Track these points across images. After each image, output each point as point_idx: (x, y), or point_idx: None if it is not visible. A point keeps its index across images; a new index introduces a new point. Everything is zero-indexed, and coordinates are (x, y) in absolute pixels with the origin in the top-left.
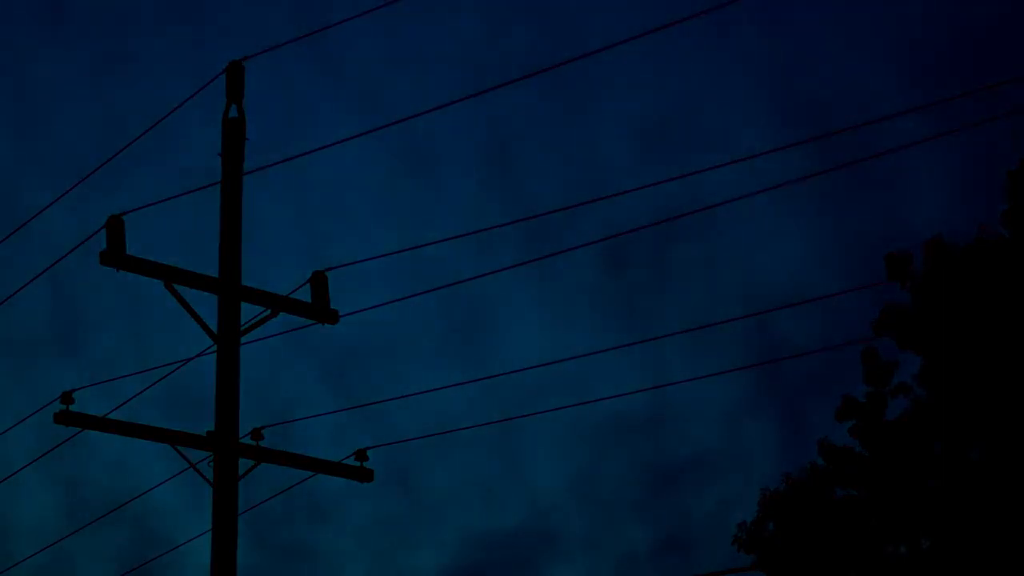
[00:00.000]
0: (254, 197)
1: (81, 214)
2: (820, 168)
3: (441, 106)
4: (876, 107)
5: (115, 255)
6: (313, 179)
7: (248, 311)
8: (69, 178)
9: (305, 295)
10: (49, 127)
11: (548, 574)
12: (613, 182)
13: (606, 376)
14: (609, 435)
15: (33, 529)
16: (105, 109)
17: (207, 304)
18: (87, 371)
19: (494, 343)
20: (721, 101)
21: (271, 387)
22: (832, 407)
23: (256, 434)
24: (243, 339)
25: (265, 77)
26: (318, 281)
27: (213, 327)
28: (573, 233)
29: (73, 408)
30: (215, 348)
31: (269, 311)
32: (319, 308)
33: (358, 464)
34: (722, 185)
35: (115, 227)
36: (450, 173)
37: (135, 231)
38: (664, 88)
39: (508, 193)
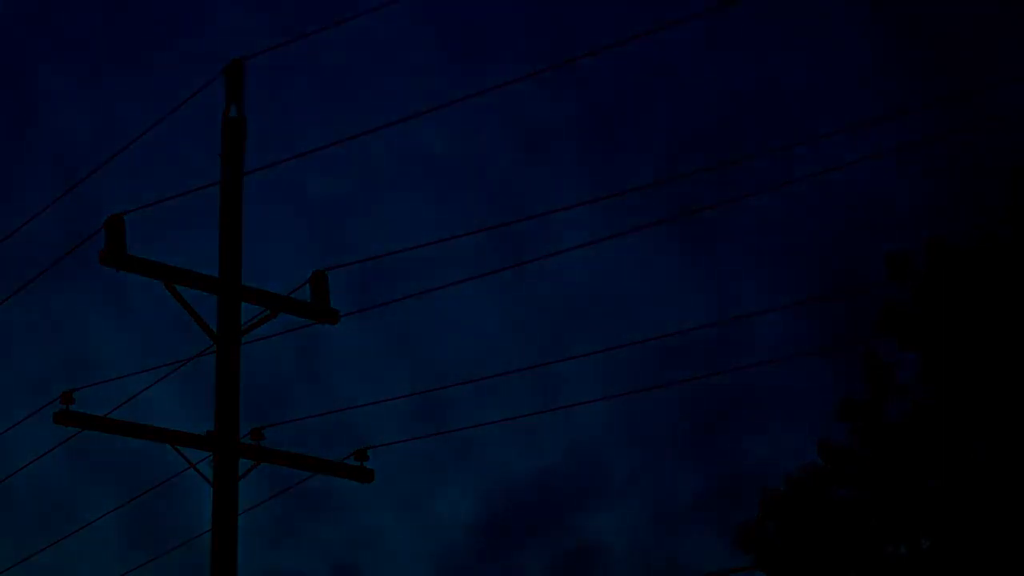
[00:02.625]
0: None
1: (79, 215)
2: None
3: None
4: None
5: (115, 255)
6: (345, 63)
7: (248, 311)
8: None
9: (305, 295)
10: (46, 124)
11: (589, 519)
12: (678, 69)
13: (660, 296)
14: (659, 364)
15: (28, 460)
16: (103, 108)
17: (207, 304)
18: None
19: (539, 254)
20: None
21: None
22: None
23: (256, 434)
24: (243, 339)
25: None
26: (318, 281)
27: (213, 327)
28: (632, 131)
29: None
30: (215, 348)
31: (269, 311)
32: (319, 308)
33: (358, 464)
34: (798, 78)
35: (115, 227)
36: (498, 59)
37: (135, 231)
38: None
39: (561, 77)
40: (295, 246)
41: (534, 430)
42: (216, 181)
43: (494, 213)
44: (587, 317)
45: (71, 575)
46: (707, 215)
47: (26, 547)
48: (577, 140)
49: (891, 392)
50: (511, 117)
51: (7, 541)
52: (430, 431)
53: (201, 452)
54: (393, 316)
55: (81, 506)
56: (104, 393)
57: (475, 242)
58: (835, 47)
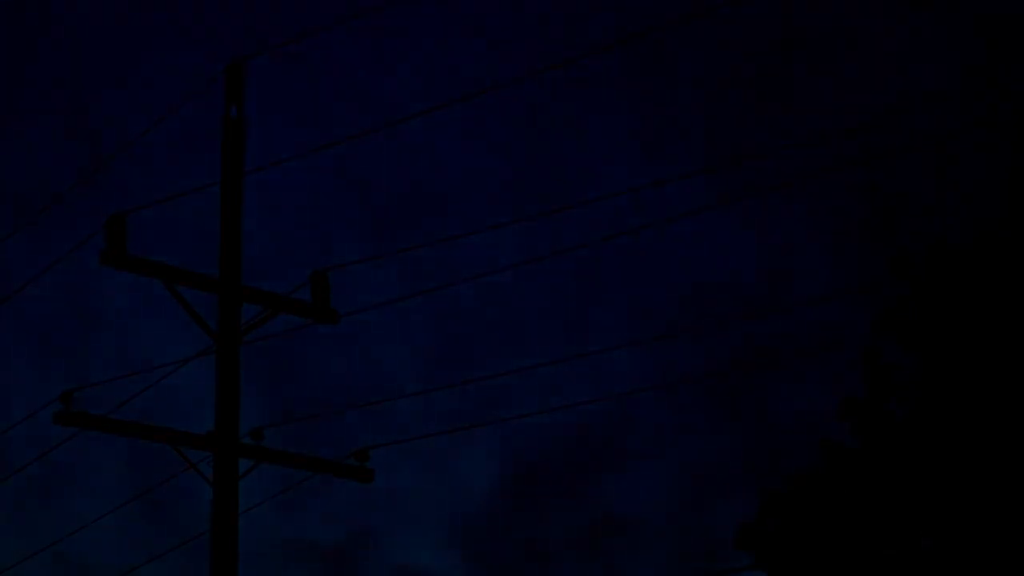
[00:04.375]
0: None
1: (79, 216)
2: None
3: None
4: None
5: (115, 255)
6: None
7: (248, 311)
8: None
9: (305, 295)
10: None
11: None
12: None
13: (704, 237)
14: (697, 310)
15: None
16: (102, 109)
17: (207, 304)
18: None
19: (571, 186)
20: None
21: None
22: None
23: (256, 434)
24: (243, 339)
25: None
26: (318, 281)
27: (213, 327)
28: (679, 55)
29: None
30: (215, 348)
31: (269, 311)
32: (319, 308)
33: (358, 464)
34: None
35: (115, 227)
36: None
37: (135, 231)
38: None
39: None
40: (310, 183)
41: (560, 386)
42: (216, 181)
43: (528, 144)
44: (620, 256)
45: (68, 561)
46: (748, 162)
47: (25, 517)
48: (618, 65)
49: (892, 392)
50: (545, 44)
51: (5, 505)
52: (452, 381)
53: (202, 452)
54: (414, 257)
55: (82, 478)
56: (111, 379)
57: (504, 181)
58: None
